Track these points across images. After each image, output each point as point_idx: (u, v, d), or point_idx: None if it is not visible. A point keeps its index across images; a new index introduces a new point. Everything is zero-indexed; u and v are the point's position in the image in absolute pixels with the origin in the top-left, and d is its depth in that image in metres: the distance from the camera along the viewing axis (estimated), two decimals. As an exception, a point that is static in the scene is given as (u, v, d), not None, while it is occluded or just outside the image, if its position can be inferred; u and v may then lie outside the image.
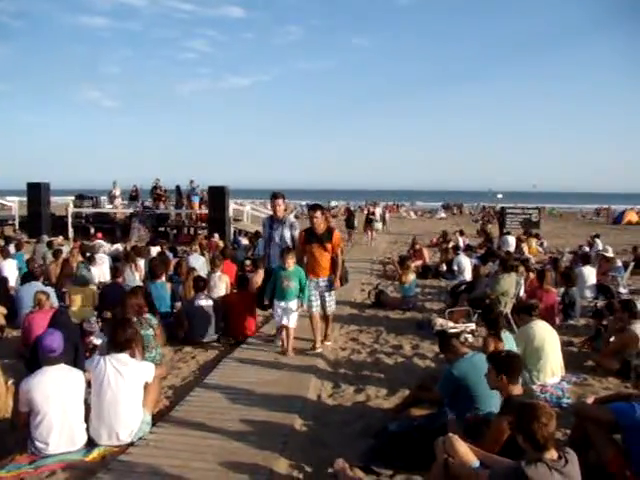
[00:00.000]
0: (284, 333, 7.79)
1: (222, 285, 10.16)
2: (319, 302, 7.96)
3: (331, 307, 8.16)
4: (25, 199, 24.53)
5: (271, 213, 8.54)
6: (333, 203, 60.34)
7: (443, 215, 50.87)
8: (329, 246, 7.84)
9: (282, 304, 7.60)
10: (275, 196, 8.20)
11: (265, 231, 8.48)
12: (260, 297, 8.12)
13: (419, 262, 16.30)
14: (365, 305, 11.55)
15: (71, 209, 24.73)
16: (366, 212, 28.80)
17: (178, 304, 9.55)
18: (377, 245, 22.98)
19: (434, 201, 76.98)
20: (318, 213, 7.77)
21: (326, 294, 8.00)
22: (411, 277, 11.68)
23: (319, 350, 7.79)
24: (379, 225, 27.27)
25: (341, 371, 7.27)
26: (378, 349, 8.34)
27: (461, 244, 18.93)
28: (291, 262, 7.52)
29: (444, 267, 15.56)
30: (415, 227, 35.50)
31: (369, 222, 25.19)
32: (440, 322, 9.33)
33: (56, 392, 4.76)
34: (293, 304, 7.60)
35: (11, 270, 11.82)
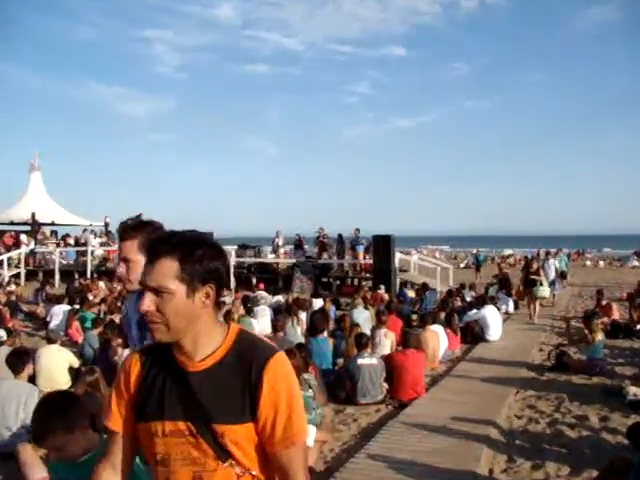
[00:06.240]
0: None
1: (387, 342, 10.21)
2: None
3: None
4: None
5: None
6: (507, 251, 58.63)
7: (636, 263, 47.70)
8: (240, 451, 1.97)
9: None
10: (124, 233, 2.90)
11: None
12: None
13: (607, 319, 15.36)
14: (544, 367, 11.01)
15: (233, 258, 25.92)
16: (524, 267, 18.92)
17: (340, 361, 9.69)
18: (557, 300, 21.60)
19: (625, 248, 72.34)
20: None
21: None
22: (599, 337, 11.02)
23: None
24: (545, 291, 17.38)
25: (516, 442, 6.97)
26: (559, 419, 7.90)
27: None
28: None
29: (639, 326, 14.54)
30: (602, 278, 33.57)
31: (530, 284, 16.97)
32: (634, 390, 8.70)
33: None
34: None
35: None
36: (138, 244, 2.80)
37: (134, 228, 2.86)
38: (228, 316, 12.27)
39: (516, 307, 18.92)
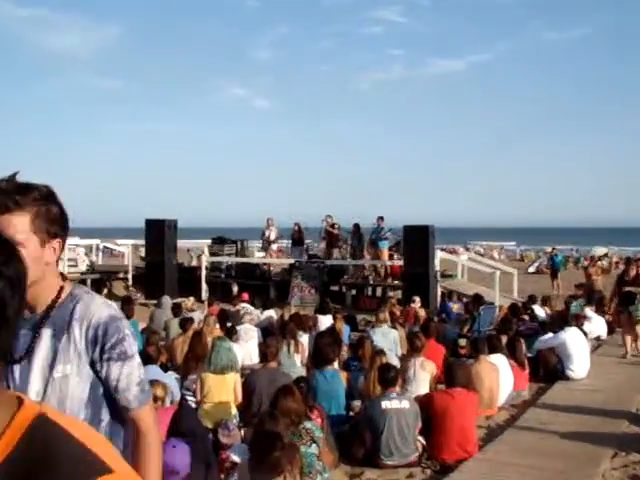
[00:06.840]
0: None
1: (425, 377, 10.12)
2: None
3: None
4: (143, 242, 25.68)
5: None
6: (599, 250, 58.04)
7: None
8: None
9: None
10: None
11: None
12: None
13: None
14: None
15: (206, 258, 25.88)
16: (619, 275, 18.01)
17: (357, 404, 9.60)
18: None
19: None
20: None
21: None
22: None
23: None
24: None
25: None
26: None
27: None
28: None
29: None
30: None
31: (627, 302, 16.07)
32: None
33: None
34: None
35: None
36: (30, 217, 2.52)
37: (14, 194, 2.52)
38: (197, 339, 12.13)
39: (611, 331, 18.68)
